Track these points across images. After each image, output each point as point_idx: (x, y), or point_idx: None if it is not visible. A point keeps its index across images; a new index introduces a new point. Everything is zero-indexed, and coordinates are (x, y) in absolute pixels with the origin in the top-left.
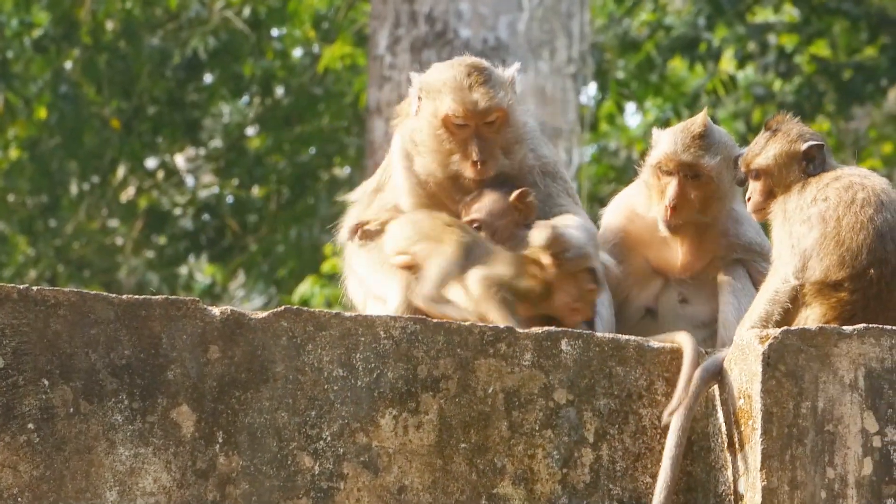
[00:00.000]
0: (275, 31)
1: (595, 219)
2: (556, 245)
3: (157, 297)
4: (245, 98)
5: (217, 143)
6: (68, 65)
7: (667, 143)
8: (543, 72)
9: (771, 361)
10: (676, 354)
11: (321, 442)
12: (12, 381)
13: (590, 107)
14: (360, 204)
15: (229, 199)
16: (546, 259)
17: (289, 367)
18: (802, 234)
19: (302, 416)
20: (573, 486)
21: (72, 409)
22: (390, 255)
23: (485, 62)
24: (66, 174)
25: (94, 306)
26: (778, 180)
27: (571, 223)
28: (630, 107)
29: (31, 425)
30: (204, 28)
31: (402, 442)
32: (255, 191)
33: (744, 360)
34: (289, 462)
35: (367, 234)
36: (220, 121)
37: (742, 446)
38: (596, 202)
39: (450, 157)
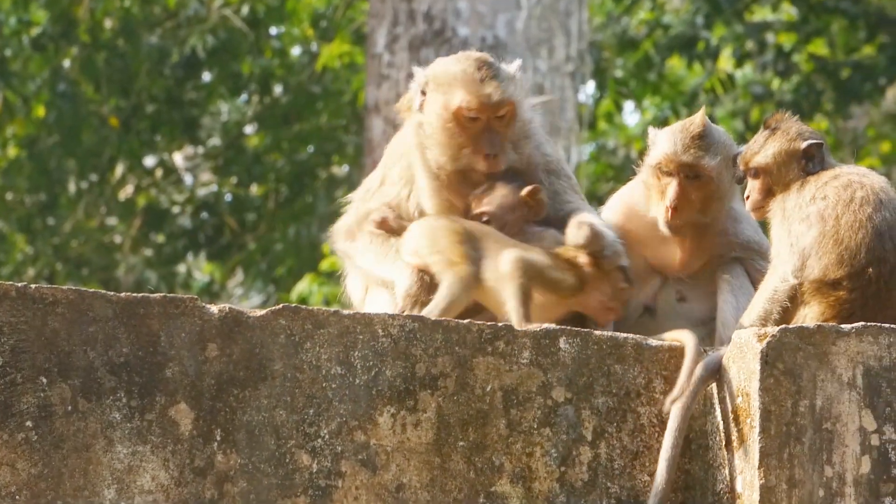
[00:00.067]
0: (273, 30)
1: None
2: (595, 243)
3: (155, 295)
4: (243, 96)
5: (215, 141)
6: (66, 63)
7: (666, 143)
8: (542, 70)
9: (769, 360)
10: (675, 353)
11: (319, 440)
12: (10, 378)
13: (588, 105)
14: (362, 200)
15: (228, 197)
16: (583, 257)
17: (287, 365)
18: (801, 232)
19: (300, 415)
20: (571, 485)
21: (70, 407)
22: (406, 254)
23: (491, 57)
24: (65, 172)
25: (92, 304)
26: (777, 179)
27: (598, 221)
28: (628, 105)
29: (29, 423)
30: (202, 26)
31: (401, 440)
32: (254, 189)
33: (742, 358)
34: (287, 460)
35: (388, 226)
36: (218, 119)
37: (740, 444)
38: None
39: (461, 151)
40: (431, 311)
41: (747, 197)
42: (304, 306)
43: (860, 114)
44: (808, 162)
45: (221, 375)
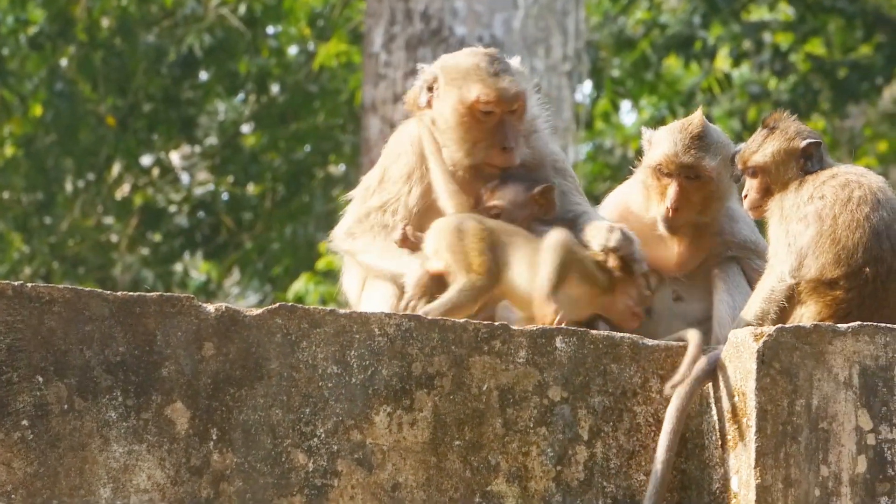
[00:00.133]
0: (270, 29)
1: None
2: (626, 247)
3: (151, 294)
4: (240, 95)
5: (212, 140)
6: (63, 62)
7: (666, 144)
8: (538, 69)
9: (765, 359)
10: (671, 352)
11: (315, 439)
12: (6, 377)
13: (585, 105)
14: (362, 199)
15: (224, 196)
16: (613, 260)
17: (283, 365)
18: (799, 231)
19: (296, 414)
20: (567, 484)
21: (66, 406)
22: (429, 250)
23: (497, 52)
24: (62, 171)
25: (88, 303)
26: (775, 178)
27: (618, 225)
28: (625, 105)
29: (25, 422)
30: (199, 25)
31: (397, 439)
32: (251, 188)
33: (738, 357)
34: (283, 459)
35: (409, 243)
36: (215, 118)
37: (736, 444)
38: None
39: (476, 146)
40: (434, 308)
41: (745, 196)
42: (300, 305)
43: (857, 113)
44: (807, 161)
45: (218, 374)
